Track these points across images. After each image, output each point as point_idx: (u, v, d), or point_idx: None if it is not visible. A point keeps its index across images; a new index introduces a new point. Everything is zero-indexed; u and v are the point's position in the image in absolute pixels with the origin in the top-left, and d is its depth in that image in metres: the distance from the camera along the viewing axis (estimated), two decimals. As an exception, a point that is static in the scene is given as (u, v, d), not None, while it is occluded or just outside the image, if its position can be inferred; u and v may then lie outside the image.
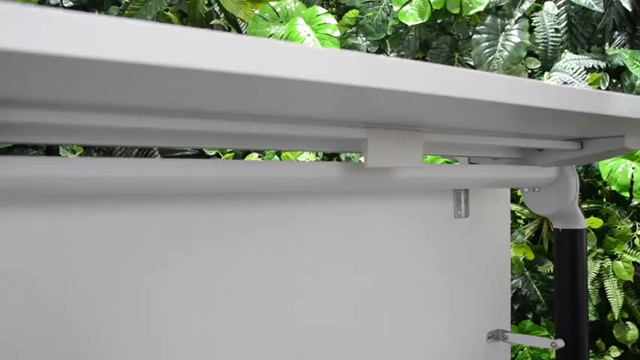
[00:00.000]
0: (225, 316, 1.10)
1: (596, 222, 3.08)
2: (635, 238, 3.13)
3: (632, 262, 3.05)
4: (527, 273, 3.15)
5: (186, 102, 0.73)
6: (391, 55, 3.20)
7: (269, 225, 1.17)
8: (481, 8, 3.01)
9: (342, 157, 2.83)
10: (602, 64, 3.18)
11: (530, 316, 3.13)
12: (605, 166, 3.10)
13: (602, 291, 3.07)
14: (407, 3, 3.04)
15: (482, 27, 3.08)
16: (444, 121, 1.00)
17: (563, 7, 3.13)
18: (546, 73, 3.10)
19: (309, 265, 1.22)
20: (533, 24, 3.11)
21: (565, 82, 3.01)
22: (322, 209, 1.25)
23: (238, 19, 3.13)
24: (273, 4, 3.03)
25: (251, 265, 1.14)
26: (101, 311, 0.97)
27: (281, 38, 2.91)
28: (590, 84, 3.12)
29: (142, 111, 0.75)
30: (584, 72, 3.11)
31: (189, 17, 3.08)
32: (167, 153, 2.87)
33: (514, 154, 1.42)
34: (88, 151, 2.76)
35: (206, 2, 3.11)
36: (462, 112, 0.89)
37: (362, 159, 1.13)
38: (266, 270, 1.16)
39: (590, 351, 3.06)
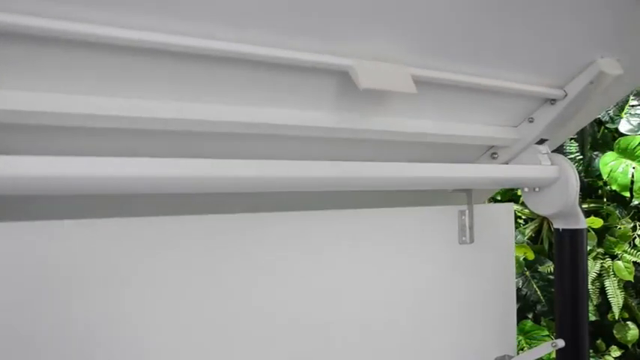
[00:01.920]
0: (224, 323, 1.09)
1: (597, 222, 3.08)
2: (635, 237, 3.13)
3: (633, 261, 3.05)
4: (527, 273, 3.15)
5: None
6: None
7: (271, 247, 1.15)
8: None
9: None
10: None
11: (530, 315, 3.13)
12: (606, 166, 3.10)
13: (602, 291, 3.07)
14: None
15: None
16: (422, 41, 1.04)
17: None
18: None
19: (309, 294, 1.21)
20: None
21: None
22: (325, 236, 1.24)
23: None
24: None
25: (252, 280, 1.13)
26: (102, 318, 0.96)
27: None
28: (590, 84, 3.11)
29: None
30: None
31: None
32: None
33: (510, 134, 1.43)
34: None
35: None
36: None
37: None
38: (268, 288, 1.14)
39: (591, 351, 3.06)
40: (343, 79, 1.03)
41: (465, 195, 1.49)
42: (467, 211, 1.48)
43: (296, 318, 1.20)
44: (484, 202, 1.80)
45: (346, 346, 1.28)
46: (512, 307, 1.64)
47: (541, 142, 1.47)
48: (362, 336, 1.30)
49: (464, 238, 1.49)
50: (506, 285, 1.62)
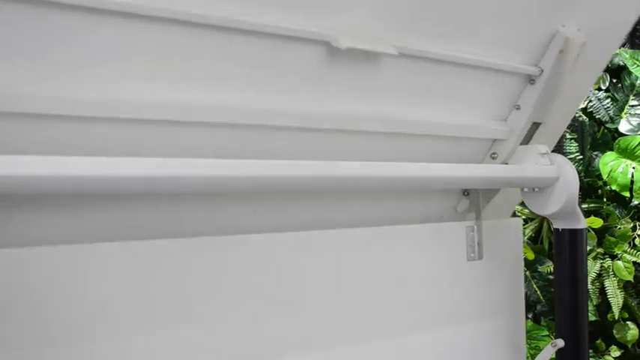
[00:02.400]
0: (225, 342, 1.08)
1: (597, 222, 3.08)
2: (635, 237, 3.13)
3: (633, 261, 3.05)
4: (527, 273, 3.15)
5: None
6: None
7: (276, 261, 1.15)
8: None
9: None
10: (603, 64, 3.17)
11: (530, 315, 3.13)
12: (606, 166, 3.10)
13: (602, 291, 3.07)
14: None
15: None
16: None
17: (563, 7, 3.13)
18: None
19: (323, 309, 1.20)
20: (533, 24, 3.11)
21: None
22: (335, 250, 1.23)
23: None
24: None
25: (255, 296, 1.12)
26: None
27: None
28: (590, 84, 3.11)
29: None
30: (585, 72, 3.11)
31: None
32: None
33: (499, 125, 1.45)
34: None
35: None
36: None
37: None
38: (266, 305, 1.14)
39: (591, 351, 3.07)
40: (327, 56, 1.05)
41: (473, 214, 1.49)
42: (475, 227, 1.48)
43: (302, 339, 1.19)
44: (512, 216, 1.77)
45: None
46: (522, 324, 1.63)
47: (535, 125, 1.48)
48: (370, 353, 1.30)
49: (472, 255, 1.48)
50: (515, 301, 1.61)
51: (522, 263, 1.68)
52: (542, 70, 1.41)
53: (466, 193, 1.52)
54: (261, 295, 1.13)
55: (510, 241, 1.61)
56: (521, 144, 1.50)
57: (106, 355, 0.97)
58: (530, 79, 1.42)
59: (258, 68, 1.02)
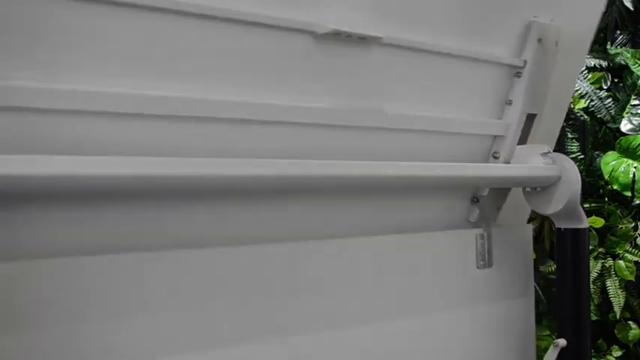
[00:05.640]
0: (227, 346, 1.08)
1: (598, 221, 3.07)
2: (636, 237, 3.12)
3: (634, 261, 3.05)
4: (528, 272, 3.14)
5: None
6: None
7: (287, 270, 1.14)
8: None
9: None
10: (604, 63, 3.17)
11: (531, 315, 3.13)
12: (607, 166, 3.10)
13: (603, 290, 3.06)
14: None
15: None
16: None
17: (564, 6, 3.13)
18: (548, 73, 3.09)
19: (331, 318, 1.20)
20: (534, 23, 3.11)
21: (567, 82, 3.01)
22: (343, 260, 1.23)
23: None
24: None
25: (259, 306, 1.11)
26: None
27: None
28: (591, 83, 3.11)
29: None
30: (586, 71, 3.10)
31: None
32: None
33: (490, 114, 1.48)
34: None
35: None
36: None
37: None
38: (272, 312, 1.13)
39: (592, 350, 3.06)
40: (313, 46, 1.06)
41: (482, 221, 1.49)
42: (485, 235, 1.47)
43: (308, 349, 1.19)
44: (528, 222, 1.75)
45: None
46: (532, 331, 1.62)
47: (531, 117, 1.49)
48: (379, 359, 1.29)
49: (482, 263, 1.47)
50: (525, 309, 1.60)
51: (532, 270, 1.64)
52: (526, 61, 1.43)
53: (475, 199, 1.51)
54: (262, 298, 1.13)
55: (521, 248, 1.60)
56: (520, 142, 1.50)
57: None
58: (517, 73, 1.45)
59: (247, 62, 1.03)
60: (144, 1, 0.86)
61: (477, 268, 1.46)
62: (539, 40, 1.41)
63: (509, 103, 1.48)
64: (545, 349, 1.57)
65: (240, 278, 1.08)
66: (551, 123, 1.58)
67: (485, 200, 1.49)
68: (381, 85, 1.23)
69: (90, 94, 0.87)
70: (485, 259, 1.46)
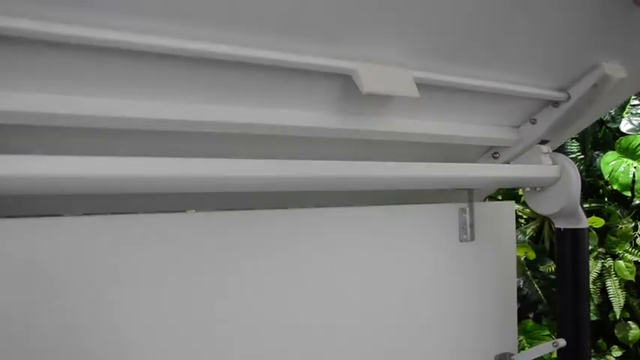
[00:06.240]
0: (224, 324, 1.09)
1: (598, 221, 3.08)
2: (636, 237, 3.13)
3: (634, 261, 3.05)
4: (528, 272, 3.15)
5: None
6: None
7: (271, 239, 1.15)
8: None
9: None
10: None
11: (531, 315, 3.13)
12: (607, 166, 3.10)
13: (603, 290, 3.06)
14: None
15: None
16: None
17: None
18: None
19: (315, 289, 1.21)
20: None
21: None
22: (326, 233, 1.23)
23: None
24: None
25: (253, 282, 1.12)
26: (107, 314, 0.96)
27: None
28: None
29: None
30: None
31: None
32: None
33: (512, 135, 1.42)
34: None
35: None
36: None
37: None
38: (265, 285, 1.14)
39: (592, 350, 3.06)
40: (346, 81, 1.03)
41: (465, 193, 1.49)
42: (467, 209, 1.48)
43: (294, 318, 1.20)
44: (483, 201, 1.79)
45: (346, 342, 1.28)
46: (513, 304, 1.64)
47: (542, 142, 1.47)
48: (362, 332, 1.30)
49: (465, 236, 1.48)
50: (507, 282, 1.62)
51: (515, 244, 1.68)
52: (570, 97, 1.37)
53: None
54: (254, 268, 1.14)
55: (503, 223, 1.61)
56: None
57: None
58: (554, 102, 1.39)
59: (278, 92, 1.02)
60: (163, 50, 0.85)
61: (460, 241, 1.47)
62: (595, 85, 1.33)
63: (533, 122, 1.43)
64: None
65: (226, 244, 1.10)
66: (560, 140, 1.59)
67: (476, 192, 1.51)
68: (410, 107, 1.21)
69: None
70: (468, 233, 1.47)
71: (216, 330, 1.09)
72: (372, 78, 1.00)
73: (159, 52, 0.80)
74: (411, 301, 1.39)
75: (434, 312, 1.44)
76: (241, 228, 1.12)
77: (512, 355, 1.58)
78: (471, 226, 1.48)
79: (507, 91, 1.27)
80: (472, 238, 1.48)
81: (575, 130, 1.61)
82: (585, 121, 1.61)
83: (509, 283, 1.63)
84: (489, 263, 1.56)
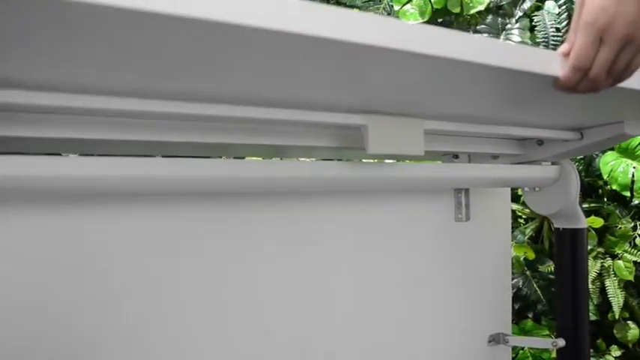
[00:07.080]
0: (224, 317, 1.10)
1: (597, 221, 3.07)
2: (635, 237, 3.13)
3: (633, 261, 3.05)
4: (527, 272, 3.15)
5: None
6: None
7: (270, 228, 1.16)
8: (482, 7, 3.01)
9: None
10: (603, 64, 3.16)
11: (530, 315, 3.13)
12: (606, 166, 3.10)
13: (602, 290, 3.06)
14: (407, 2, 3.04)
15: (483, 26, 3.08)
16: (441, 104, 0.99)
17: (564, 6, 3.12)
18: (547, 73, 3.09)
19: (308, 270, 1.22)
20: (534, 23, 3.11)
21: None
22: (322, 213, 1.24)
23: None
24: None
25: (251, 267, 1.14)
26: (105, 311, 0.97)
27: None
28: (590, 83, 3.10)
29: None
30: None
31: None
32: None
33: (514, 150, 1.42)
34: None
35: None
36: (461, 88, 0.87)
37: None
38: (265, 273, 1.16)
39: (591, 350, 3.06)
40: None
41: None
42: (463, 190, 1.48)
43: (289, 304, 1.20)
44: None
45: (342, 320, 1.28)
46: (508, 285, 1.65)
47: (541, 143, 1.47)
48: (356, 311, 1.30)
49: (460, 216, 1.49)
50: (502, 263, 1.62)
51: (510, 225, 1.68)
52: (582, 137, 1.34)
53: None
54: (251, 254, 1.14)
55: (499, 204, 1.61)
56: None
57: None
58: (564, 140, 1.36)
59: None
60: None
61: (455, 221, 1.47)
62: (609, 138, 1.29)
63: (540, 143, 1.40)
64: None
65: (223, 231, 1.10)
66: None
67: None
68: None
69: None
70: (463, 213, 1.47)
71: (216, 329, 1.09)
72: (379, 135, 0.99)
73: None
74: (404, 280, 1.39)
75: (427, 291, 1.44)
76: (239, 221, 1.13)
77: (506, 334, 1.59)
78: (467, 206, 1.49)
79: (520, 136, 1.27)
80: (467, 219, 1.49)
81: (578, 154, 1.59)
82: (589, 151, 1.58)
83: (504, 262, 1.64)
84: (485, 243, 1.57)
